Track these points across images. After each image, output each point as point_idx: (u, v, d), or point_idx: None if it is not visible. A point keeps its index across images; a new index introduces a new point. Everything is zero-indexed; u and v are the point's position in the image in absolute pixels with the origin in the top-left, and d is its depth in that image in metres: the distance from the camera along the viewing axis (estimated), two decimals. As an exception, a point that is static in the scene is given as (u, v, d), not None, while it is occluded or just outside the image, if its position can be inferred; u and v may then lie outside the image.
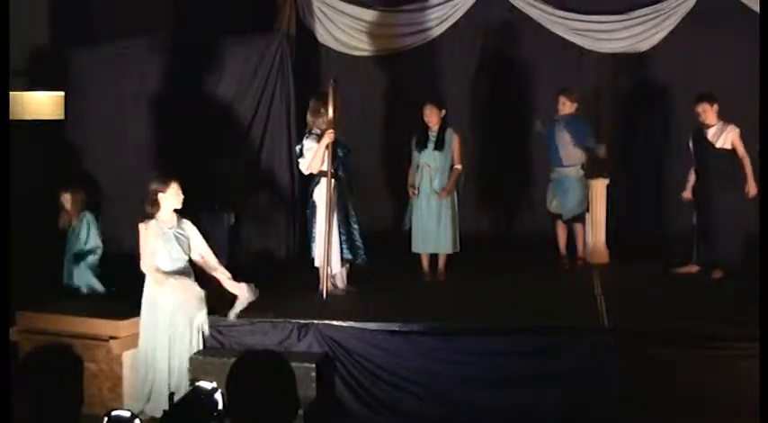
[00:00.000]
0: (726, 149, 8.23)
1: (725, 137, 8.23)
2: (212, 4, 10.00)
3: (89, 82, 9.41)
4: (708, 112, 8.25)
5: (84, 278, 8.22)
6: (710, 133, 8.30)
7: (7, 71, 6.67)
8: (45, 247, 8.26)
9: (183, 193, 6.83)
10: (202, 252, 6.95)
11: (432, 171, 8.38)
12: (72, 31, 9.48)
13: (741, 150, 8.22)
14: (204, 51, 9.31)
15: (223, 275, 6.99)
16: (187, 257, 6.87)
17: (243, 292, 6.95)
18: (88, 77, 9.41)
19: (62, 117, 9.13)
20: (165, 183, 6.76)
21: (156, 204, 6.76)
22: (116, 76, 9.41)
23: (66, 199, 8.27)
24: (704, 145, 8.33)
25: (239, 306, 7.00)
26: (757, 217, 8.06)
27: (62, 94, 9.08)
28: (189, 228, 6.90)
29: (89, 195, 8.48)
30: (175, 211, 6.84)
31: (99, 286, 8.19)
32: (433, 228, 8.38)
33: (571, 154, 8.83)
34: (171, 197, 6.75)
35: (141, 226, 6.77)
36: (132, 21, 9.51)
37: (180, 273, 6.82)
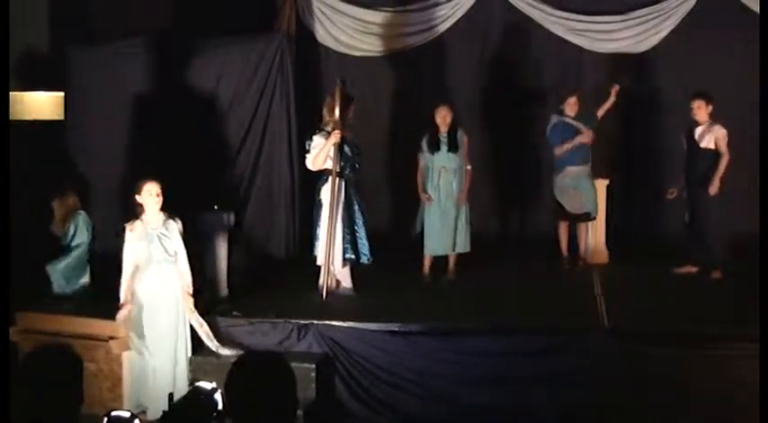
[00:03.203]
0: (710, 149, 8.28)
1: (710, 137, 8.28)
2: (212, 4, 9.99)
3: (89, 82, 9.40)
4: (701, 110, 8.29)
5: (61, 275, 8.20)
6: (698, 132, 8.35)
7: (7, 71, 6.68)
8: (44, 248, 8.24)
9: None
10: (178, 255, 6.88)
11: (448, 173, 8.37)
12: (71, 32, 9.48)
13: (722, 150, 8.26)
14: (204, 51, 9.30)
15: (183, 287, 6.93)
16: (172, 258, 6.84)
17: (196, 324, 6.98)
18: (88, 78, 9.40)
19: (62, 117, 9.13)
20: (140, 184, 6.78)
21: (138, 206, 6.77)
22: (116, 76, 9.39)
23: (55, 206, 8.24)
24: (691, 143, 8.40)
25: (208, 341, 7.00)
26: (745, 215, 8.11)
27: (62, 94, 9.07)
28: (173, 229, 6.86)
29: (80, 198, 8.43)
30: (164, 211, 6.83)
31: (68, 287, 8.09)
32: (451, 230, 8.39)
33: (590, 151, 8.87)
34: (147, 198, 6.75)
35: (127, 227, 6.79)
36: (132, 21, 9.51)
37: (161, 274, 6.82)
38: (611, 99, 8.94)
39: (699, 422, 6.32)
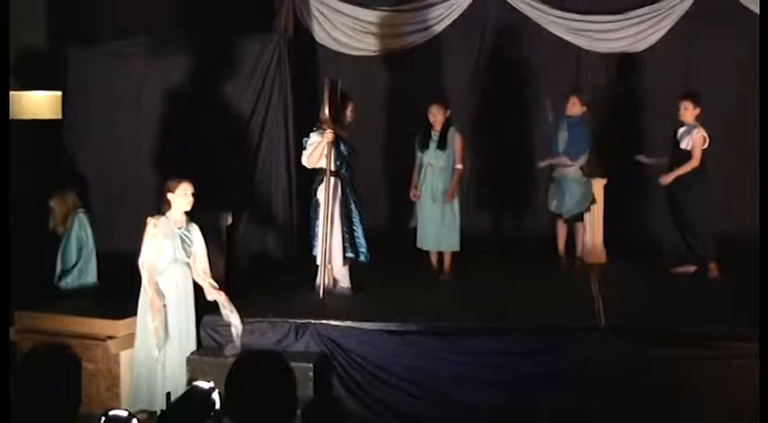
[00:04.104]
0: (687, 151, 8.29)
1: (688, 139, 8.27)
2: (210, 3, 9.99)
3: (87, 82, 9.40)
4: (688, 111, 8.29)
5: (77, 276, 8.23)
6: (680, 132, 8.34)
7: (7, 71, 6.66)
8: (43, 247, 8.24)
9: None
10: (198, 259, 6.94)
11: (435, 170, 8.38)
12: (70, 31, 9.47)
13: (696, 152, 8.25)
14: (202, 51, 9.29)
15: (209, 285, 6.96)
16: (187, 260, 6.87)
17: (232, 319, 6.95)
18: (86, 77, 9.39)
19: (59, 117, 9.12)
20: (175, 183, 6.79)
21: (167, 202, 6.78)
22: (114, 75, 9.39)
23: (55, 203, 8.24)
24: (673, 143, 8.40)
25: (236, 338, 6.96)
26: (745, 215, 8.10)
27: (59, 93, 9.06)
28: (195, 232, 6.92)
29: (80, 197, 8.45)
30: (186, 213, 6.86)
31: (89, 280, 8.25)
32: (438, 226, 8.39)
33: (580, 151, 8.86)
34: (179, 198, 6.78)
35: (150, 220, 6.77)
36: (130, 20, 9.50)
37: (179, 274, 6.83)
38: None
39: (699, 422, 6.31)
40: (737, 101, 9.30)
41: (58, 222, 8.23)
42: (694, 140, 8.23)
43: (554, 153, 8.89)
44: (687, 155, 8.28)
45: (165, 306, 6.74)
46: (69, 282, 8.21)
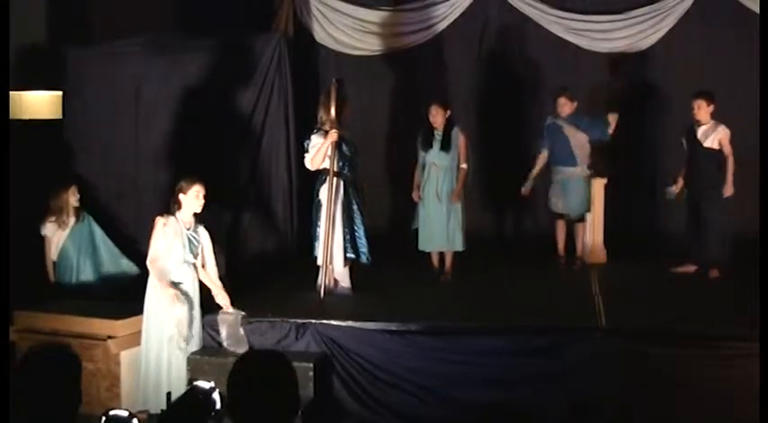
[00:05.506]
0: (713, 149, 8.27)
1: (714, 137, 8.27)
2: (210, 3, 9.98)
3: (87, 81, 9.40)
4: (702, 110, 8.27)
5: (110, 266, 8.31)
6: (700, 131, 8.34)
7: (7, 71, 6.65)
8: (43, 247, 8.23)
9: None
10: (207, 261, 6.95)
11: (439, 171, 8.37)
12: (70, 30, 9.47)
13: (727, 150, 8.25)
14: (202, 51, 9.29)
15: (216, 287, 6.98)
16: (194, 261, 6.86)
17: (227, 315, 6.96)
18: (86, 77, 9.39)
19: (59, 116, 9.11)
20: (188, 184, 6.77)
21: (177, 203, 6.76)
22: (114, 75, 9.39)
23: (54, 204, 8.21)
24: (694, 143, 8.38)
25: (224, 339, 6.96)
26: (745, 216, 8.09)
27: (60, 93, 9.05)
28: (203, 234, 6.92)
29: (80, 196, 8.47)
30: (195, 214, 6.85)
31: (131, 267, 8.29)
32: (442, 226, 8.36)
33: (583, 153, 8.86)
34: (191, 199, 6.76)
35: (160, 220, 6.74)
36: (130, 20, 9.50)
37: (187, 275, 6.84)
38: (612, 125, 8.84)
39: (699, 422, 6.31)
40: (737, 101, 9.28)
41: (56, 222, 8.20)
42: (721, 138, 8.23)
43: (559, 158, 8.86)
44: (712, 153, 8.26)
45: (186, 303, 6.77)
46: (67, 279, 8.21)
